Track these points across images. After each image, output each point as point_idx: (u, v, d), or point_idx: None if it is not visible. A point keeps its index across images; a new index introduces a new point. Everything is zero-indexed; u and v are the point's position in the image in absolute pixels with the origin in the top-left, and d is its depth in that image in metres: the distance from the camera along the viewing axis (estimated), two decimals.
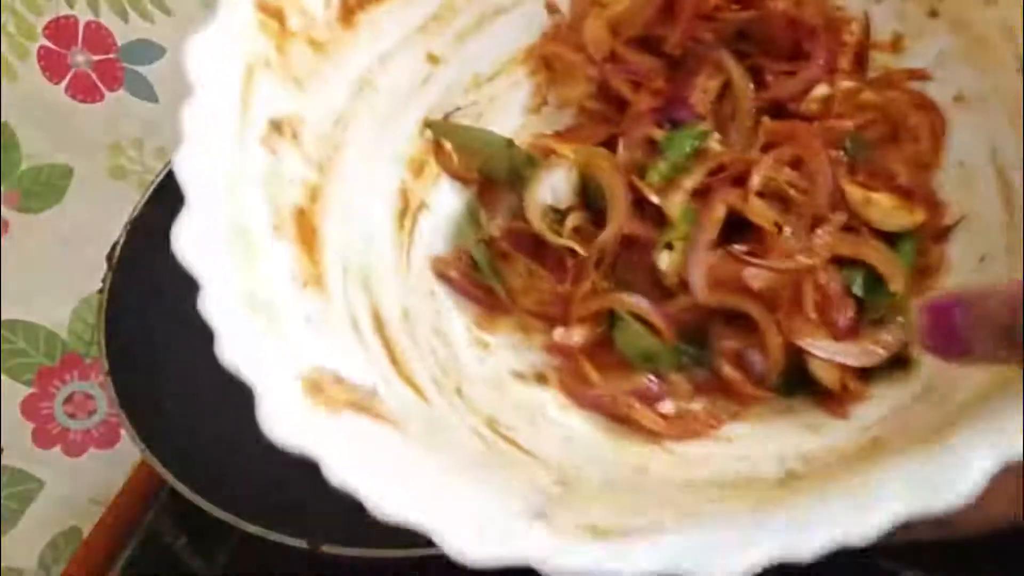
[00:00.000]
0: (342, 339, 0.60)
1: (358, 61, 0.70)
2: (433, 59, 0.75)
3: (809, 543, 0.44)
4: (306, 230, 0.62)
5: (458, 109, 0.77)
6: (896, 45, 0.77)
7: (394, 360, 0.62)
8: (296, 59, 0.65)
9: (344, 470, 0.48)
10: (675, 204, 0.69)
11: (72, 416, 0.87)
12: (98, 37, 0.91)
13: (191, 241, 0.53)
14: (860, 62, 0.77)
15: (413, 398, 0.61)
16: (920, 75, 0.75)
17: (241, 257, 0.56)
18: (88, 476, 0.88)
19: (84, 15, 0.90)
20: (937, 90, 0.75)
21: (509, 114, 0.81)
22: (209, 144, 0.58)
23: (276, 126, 0.63)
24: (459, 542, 0.46)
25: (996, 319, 0.45)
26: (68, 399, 0.88)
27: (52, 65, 0.86)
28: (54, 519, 0.86)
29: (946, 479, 0.44)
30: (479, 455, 0.59)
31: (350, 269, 0.65)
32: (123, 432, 0.92)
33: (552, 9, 0.79)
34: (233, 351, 0.50)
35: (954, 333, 0.46)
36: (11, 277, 0.83)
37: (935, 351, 0.48)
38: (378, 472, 0.49)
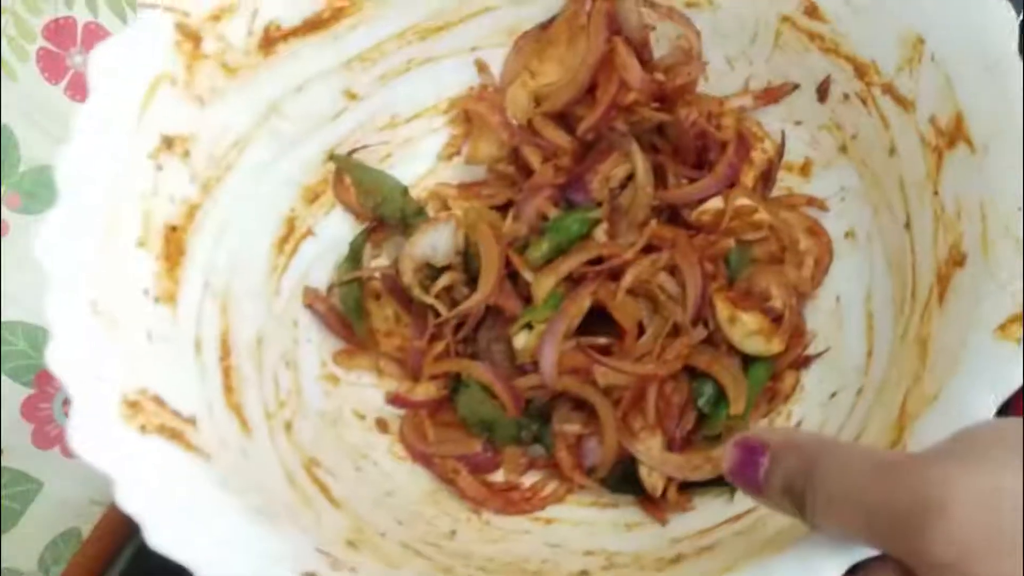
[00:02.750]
0: (179, 359, 0.61)
1: (270, 88, 0.71)
2: (351, 95, 0.77)
3: None
4: (173, 247, 0.63)
5: (365, 147, 0.78)
6: (805, 170, 0.79)
7: (228, 387, 0.64)
8: (204, 80, 0.67)
9: (132, 495, 0.50)
10: (544, 286, 0.71)
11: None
12: (97, 38, 0.90)
13: (52, 240, 0.54)
14: (767, 179, 0.78)
15: (235, 429, 0.62)
16: (819, 204, 0.77)
17: (97, 264, 0.57)
18: (88, 477, 0.86)
19: (83, 16, 0.89)
20: (831, 222, 0.76)
21: (420, 157, 0.82)
22: (96, 149, 0.59)
23: (168, 142, 0.64)
24: None
25: (790, 478, 0.46)
26: (68, 400, 0.88)
27: (51, 66, 0.85)
28: (54, 520, 0.85)
29: None
30: (279, 499, 0.60)
31: (212, 289, 0.66)
32: None
33: (482, 68, 0.81)
34: (61, 356, 0.52)
35: (755, 475, 0.48)
36: (11, 278, 0.82)
37: (736, 484, 0.50)
38: (165, 504, 0.51)
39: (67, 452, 0.86)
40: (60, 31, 0.89)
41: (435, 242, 0.74)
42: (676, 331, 0.71)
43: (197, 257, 0.65)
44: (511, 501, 0.71)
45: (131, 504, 0.50)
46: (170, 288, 0.62)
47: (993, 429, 0.46)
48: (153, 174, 0.63)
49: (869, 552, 0.46)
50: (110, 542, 0.82)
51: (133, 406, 0.54)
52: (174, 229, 0.64)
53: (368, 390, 0.76)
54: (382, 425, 0.74)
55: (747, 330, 0.70)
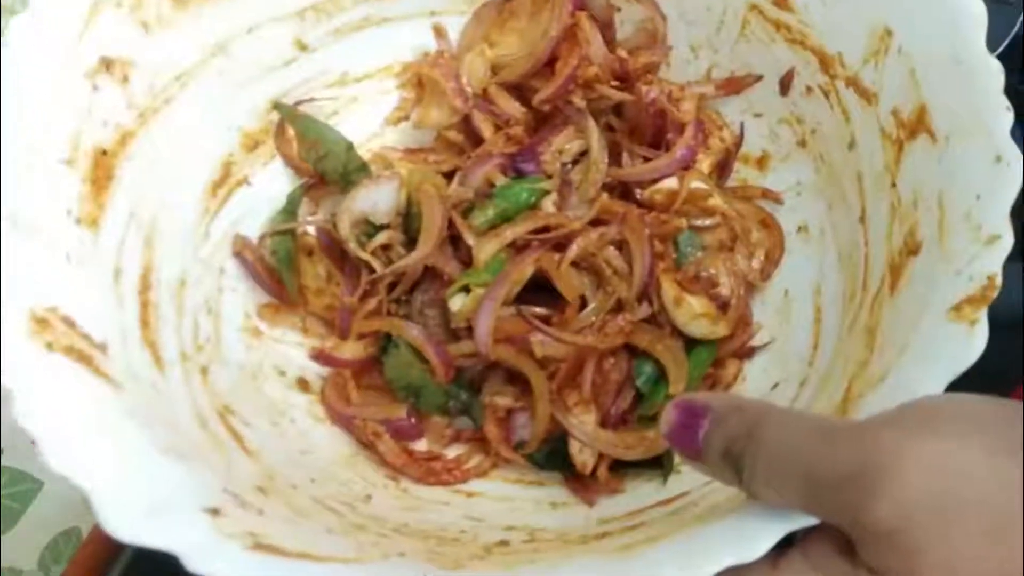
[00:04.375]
0: (96, 286, 0.58)
1: (221, 26, 0.69)
2: (301, 46, 0.74)
3: None
4: (101, 172, 0.61)
5: (311, 101, 0.76)
6: (762, 163, 0.77)
7: (144, 322, 0.61)
8: (151, 6, 0.65)
9: (29, 409, 0.48)
10: (487, 250, 0.68)
11: None
12: None
13: None
14: (723, 168, 0.76)
15: (148, 363, 0.59)
16: (774, 197, 0.75)
17: (20, 178, 0.55)
18: None
19: None
20: (785, 216, 0.74)
21: (367, 118, 0.80)
22: (29, 60, 0.57)
23: (107, 64, 0.62)
24: (113, 515, 0.46)
25: (731, 441, 0.44)
26: None
27: None
28: (54, 519, 0.83)
29: None
30: (189, 439, 0.57)
31: (137, 221, 0.63)
32: None
33: (440, 34, 0.79)
34: None
35: (695, 437, 0.46)
36: None
37: (674, 447, 0.47)
38: (65, 423, 0.48)
39: None
40: None
41: (376, 199, 0.71)
42: (619, 308, 0.68)
43: (125, 185, 0.63)
44: (432, 471, 0.67)
45: (28, 420, 0.48)
46: (94, 212, 0.60)
47: (947, 401, 0.45)
48: (88, 94, 0.61)
49: (805, 521, 0.44)
50: (110, 542, 0.79)
51: (41, 323, 0.51)
52: (104, 153, 0.61)
53: (291, 348, 0.73)
54: (303, 384, 0.71)
55: (692, 312, 0.68)
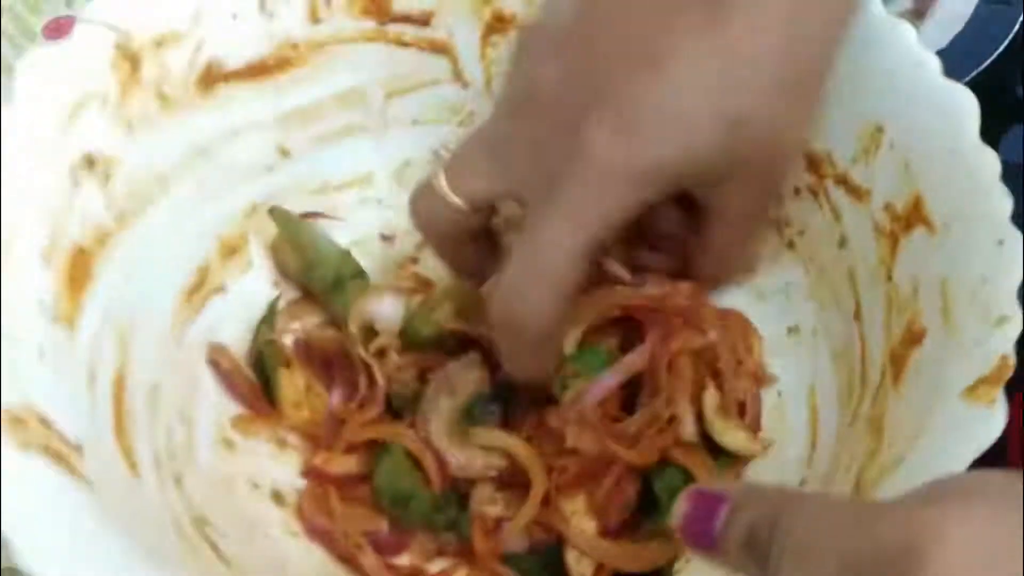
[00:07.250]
0: (70, 386, 0.56)
1: (203, 129, 0.69)
2: (284, 152, 0.74)
3: None
4: (79, 270, 0.59)
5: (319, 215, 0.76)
6: None
7: (119, 427, 0.58)
8: (136, 105, 0.65)
9: (11, 516, 0.46)
10: None
11: None
12: None
13: None
14: None
15: (122, 468, 0.56)
16: None
17: None
18: None
19: None
20: (774, 318, 0.73)
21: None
22: (13, 155, 0.57)
23: (90, 161, 0.61)
24: None
25: (754, 528, 0.41)
26: None
27: None
28: None
29: None
30: (166, 546, 0.54)
31: (112, 322, 0.61)
32: None
33: None
34: None
35: (710, 530, 0.42)
36: None
37: (687, 540, 0.44)
38: (41, 528, 0.47)
39: None
40: (60, 30, 0.89)
41: (381, 310, 0.69)
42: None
43: (103, 285, 0.61)
44: None
45: (10, 528, 0.46)
46: (70, 311, 0.58)
47: (979, 479, 0.42)
48: (69, 190, 0.60)
49: None
50: None
51: (18, 421, 0.50)
52: (82, 251, 0.60)
53: (266, 460, 0.69)
54: (277, 498, 0.67)
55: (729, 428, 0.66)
